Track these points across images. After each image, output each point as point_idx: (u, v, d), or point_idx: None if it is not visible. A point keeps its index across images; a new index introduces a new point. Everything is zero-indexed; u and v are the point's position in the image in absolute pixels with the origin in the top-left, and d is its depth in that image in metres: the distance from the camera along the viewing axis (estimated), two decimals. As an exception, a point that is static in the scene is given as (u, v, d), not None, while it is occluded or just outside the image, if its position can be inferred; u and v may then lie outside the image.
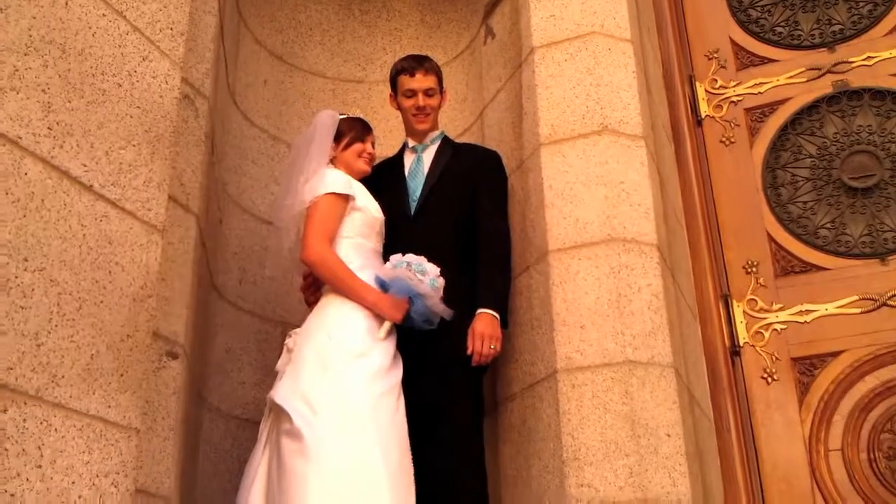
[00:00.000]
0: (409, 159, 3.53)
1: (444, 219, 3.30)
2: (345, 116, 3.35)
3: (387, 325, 2.93)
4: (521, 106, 3.51)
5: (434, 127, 3.55)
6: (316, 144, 3.20)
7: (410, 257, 2.97)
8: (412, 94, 3.47)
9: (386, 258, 3.08)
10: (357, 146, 3.27)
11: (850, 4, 4.10)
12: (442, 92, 3.56)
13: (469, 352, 3.04)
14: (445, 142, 3.56)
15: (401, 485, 2.67)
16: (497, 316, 3.11)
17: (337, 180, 3.10)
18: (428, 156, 3.50)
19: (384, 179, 3.47)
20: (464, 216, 3.32)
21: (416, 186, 3.41)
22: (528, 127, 3.42)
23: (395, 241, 3.25)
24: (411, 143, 3.55)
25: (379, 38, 4.36)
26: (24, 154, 1.88)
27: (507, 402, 3.21)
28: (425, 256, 3.01)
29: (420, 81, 3.46)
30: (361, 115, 3.49)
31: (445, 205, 3.33)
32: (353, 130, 3.29)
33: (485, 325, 3.07)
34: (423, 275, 2.93)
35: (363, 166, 3.29)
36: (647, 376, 2.91)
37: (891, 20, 3.98)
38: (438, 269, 2.98)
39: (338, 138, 3.26)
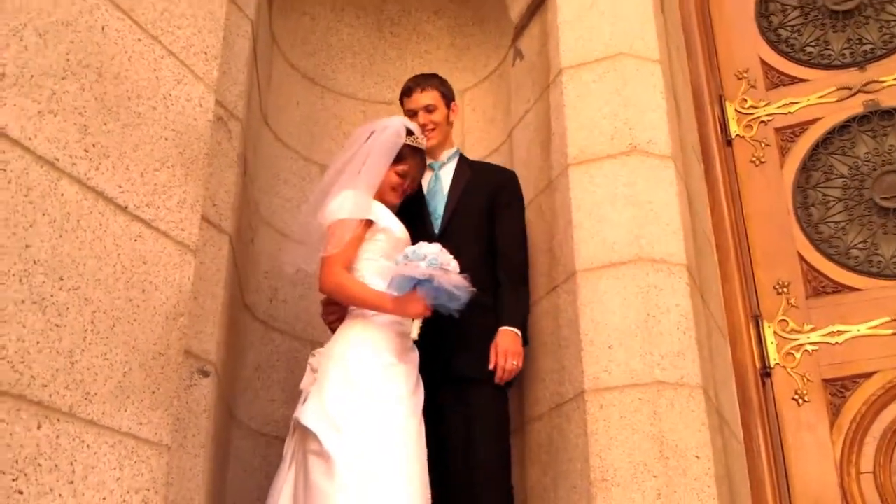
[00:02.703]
0: (426, 177, 3.50)
1: (471, 236, 3.32)
2: (410, 143, 3.24)
3: (416, 323, 2.94)
4: (550, 126, 3.52)
5: (446, 144, 3.58)
6: (371, 160, 3.12)
7: (408, 249, 2.89)
8: (413, 114, 3.51)
9: None
10: (396, 179, 3.20)
11: (881, 24, 4.08)
12: (450, 106, 3.58)
13: (492, 367, 3.08)
14: (462, 159, 3.59)
15: None
16: (519, 333, 3.16)
17: (356, 204, 3.02)
18: (446, 173, 3.53)
19: None
20: (487, 234, 3.37)
21: (437, 204, 3.44)
22: (557, 147, 3.43)
23: None
24: (428, 160, 3.50)
25: (409, 60, 4.40)
26: (60, 175, 1.92)
27: (535, 422, 3.21)
28: None
29: (416, 100, 3.53)
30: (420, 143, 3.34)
31: (471, 223, 3.36)
32: (406, 162, 3.21)
33: (508, 342, 3.12)
34: (421, 259, 2.83)
35: (394, 199, 3.22)
36: (675, 397, 2.90)
37: (922, 39, 3.97)
38: (438, 247, 2.87)
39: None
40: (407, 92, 3.57)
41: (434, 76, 3.65)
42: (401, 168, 3.21)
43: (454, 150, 3.62)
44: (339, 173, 3.17)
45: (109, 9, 2.20)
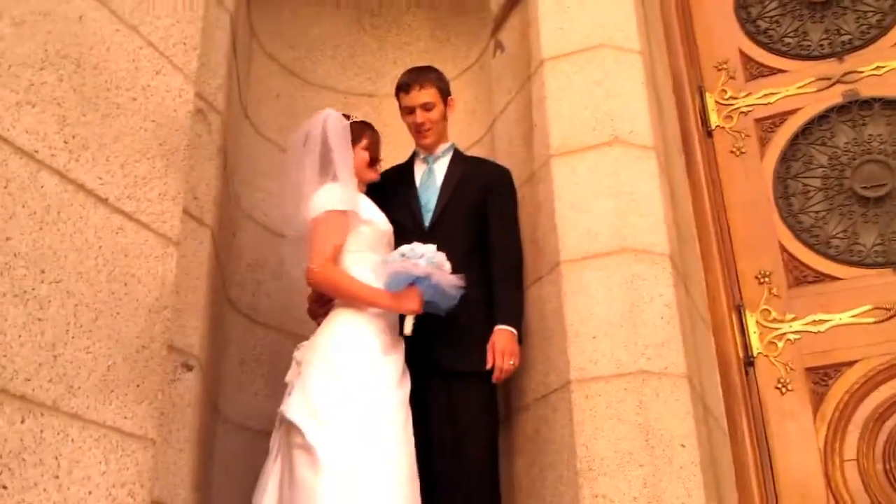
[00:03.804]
0: (419, 170, 3.50)
1: (461, 231, 3.28)
2: (354, 120, 3.29)
3: (409, 319, 2.95)
4: (531, 118, 3.51)
5: (442, 139, 3.52)
6: (336, 155, 3.13)
7: (403, 248, 2.96)
8: (410, 111, 3.45)
9: None
10: (366, 155, 3.24)
11: (858, 14, 4.10)
12: (447, 101, 3.52)
13: (489, 367, 3.06)
14: (457, 154, 3.55)
15: (408, 499, 2.67)
16: (515, 332, 3.14)
17: (338, 196, 3.04)
18: (440, 167, 3.48)
19: (393, 188, 3.45)
20: (478, 230, 3.33)
21: (428, 198, 3.39)
22: (539, 139, 3.43)
23: None
24: (422, 153, 3.53)
25: (389, 52, 4.39)
26: (40, 167, 1.90)
27: (521, 413, 3.21)
28: None
29: (415, 98, 3.43)
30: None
31: (461, 217, 3.32)
32: (365, 137, 3.26)
33: (505, 342, 3.09)
34: (418, 258, 2.90)
35: (373, 175, 3.28)
36: (660, 387, 2.90)
37: (900, 30, 3.99)
38: (434, 246, 2.96)
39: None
40: (404, 88, 3.46)
41: (431, 70, 3.56)
42: (364, 143, 3.24)
43: (449, 144, 3.55)
44: (301, 171, 3.15)
45: (87, -1, 2.18)
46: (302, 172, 3.14)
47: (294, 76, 4.17)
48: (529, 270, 3.34)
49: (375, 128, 3.38)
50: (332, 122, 3.19)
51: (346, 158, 3.14)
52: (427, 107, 3.43)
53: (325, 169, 3.13)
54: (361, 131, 3.26)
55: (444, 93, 3.51)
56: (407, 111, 3.47)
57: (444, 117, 3.52)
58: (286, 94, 4.11)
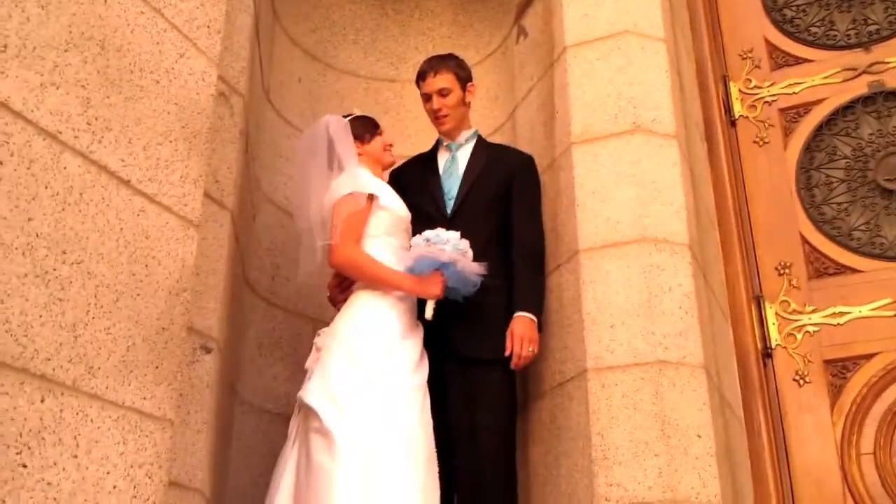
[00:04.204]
0: (443, 157, 3.52)
1: (482, 219, 3.29)
2: (352, 117, 3.35)
3: (430, 304, 2.99)
4: (553, 105, 3.50)
5: (462, 125, 3.54)
6: (340, 149, 3.20)
7: (428, 233, 3.01)
8: (428, 97, 3.49)
9: None
10: (379, 139, 3.32)
11: (886, 4, 4.05)
12: (466, 87, 3.52)
13: (508, 353, 3.07)
14: (480, 141, 3.55)
15: (427, 483, 2.69)
16: (535, 319, 3.14)
17: (359, 180, 3.11)
18: (463, 155, 3.49)
19: (417, 176, 3.48)
20: (500, 217, 3.33)
21: (451, 185, 3.41)
22: (560, 126, 3.42)
23: None
24: (445, 141, 3.54)
25: (412, 38, 4.38)
26: (63, 148, 1.90)
27: (538, 401, 3.22)
28: None
29: (431, 84, 3.47)
30: (388, 115, 3.51)
31: (483, 205, 3.33)
32: (369, 128, 3.33)
33: (524, 328, 3.10)
34: (444, 244, 2.96)
35: (391, 158, 3.37)
36: (677, 376, 2.90)
37: (928, 20, 3.94)
38: (458, 233, 3.02)
39: (357, 138, 3.28)
40: (421, 76, 3.50)
41: (449, 57, 3.58)
42: (379, 130, 3.36)
43: (472, 131, 3.57)
44: (309, 169, 3.24)
45: (111, -20, 2.18)
46: (312, 172, 3.22)
47: (316, 60, 4.18)
48: (549, 258, 3.34)
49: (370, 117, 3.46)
50: (333, 122, 3.27)
51: (349, 149, 3.21)
52: (443, 92, 3.45)
53: (332, 164, 3.20)
54: (370, 121, 3.36)
55: (463, 79, 3.52)
56: (425, 98, 3.51)
57: (464, 103, 3.52)
58: (308, 79, 4.12)
